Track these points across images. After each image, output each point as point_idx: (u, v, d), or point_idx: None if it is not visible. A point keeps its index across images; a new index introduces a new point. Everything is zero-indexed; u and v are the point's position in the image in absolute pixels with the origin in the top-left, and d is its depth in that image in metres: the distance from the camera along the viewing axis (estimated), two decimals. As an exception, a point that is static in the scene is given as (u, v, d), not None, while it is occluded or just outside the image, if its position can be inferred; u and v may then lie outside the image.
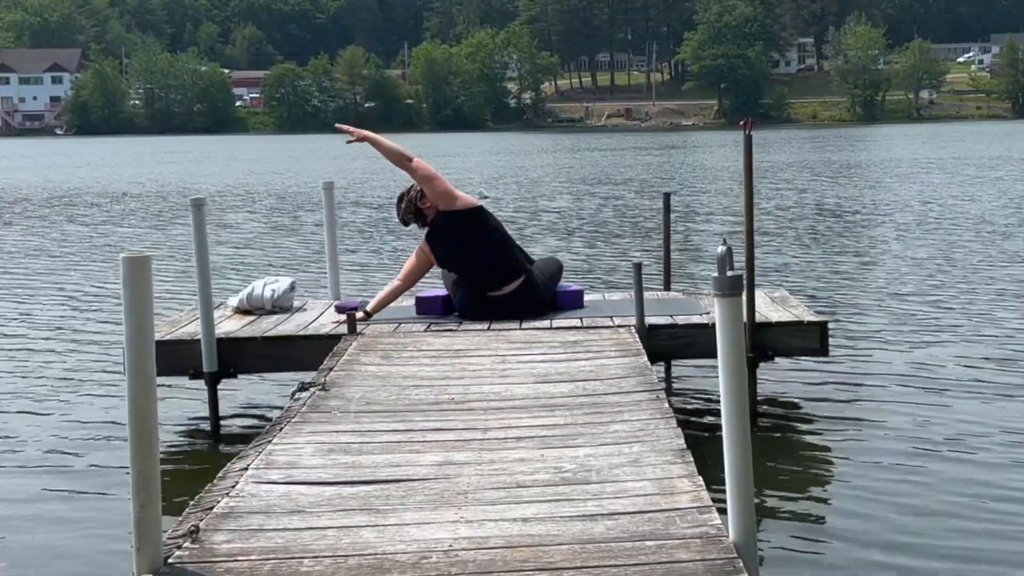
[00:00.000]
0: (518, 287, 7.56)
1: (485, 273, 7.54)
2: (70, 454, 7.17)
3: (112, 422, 7.77)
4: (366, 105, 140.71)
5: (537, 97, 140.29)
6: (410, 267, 7.75)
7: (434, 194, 7.57)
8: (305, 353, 7.07)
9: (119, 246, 19.14)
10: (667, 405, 5.17)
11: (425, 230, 7.72)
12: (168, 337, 7.25)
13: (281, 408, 6.21)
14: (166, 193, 33.45)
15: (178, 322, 7.87)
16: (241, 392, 8.44)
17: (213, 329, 7.14)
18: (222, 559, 3.42)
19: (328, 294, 8.96)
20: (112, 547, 5.51)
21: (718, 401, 3.66)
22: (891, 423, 7.50)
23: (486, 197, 8.07)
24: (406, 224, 7.86)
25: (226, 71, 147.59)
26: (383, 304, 7.69)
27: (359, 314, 7.53)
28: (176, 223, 23.33)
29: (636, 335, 6.90)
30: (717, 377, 3.61)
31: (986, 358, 9.36)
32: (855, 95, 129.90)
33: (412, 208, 7.70)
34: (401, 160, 7.59)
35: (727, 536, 3.51)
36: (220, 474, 4.28)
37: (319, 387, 5.63)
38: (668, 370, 8.43)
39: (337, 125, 8.35)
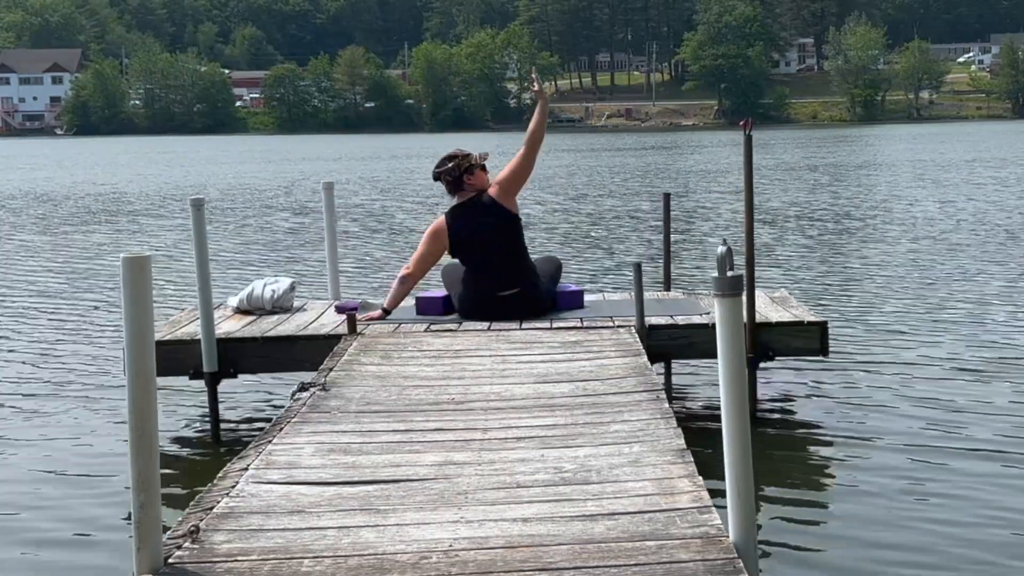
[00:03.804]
0: (521, 292, 7.52)
1: (494, 270, 7.47)
2: (70, 454, 7.17)
3: (112, 422, 7.77)
4: (366, 105, 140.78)
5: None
6: (421, 254, 7.65)
7: (512, 184, 7.51)
8: (305, 353, 7.06)
9: (119, 246, 19.14)
10: (667, 405, 5.16)
11: (439, 217, 7.65)
12: (168, 337, 7.24)
13: (281, 408, 6.21)
14: (166, 193, 33.45)
15: (178, 322, 7.87)
16: (241, 392, 8.43)
17: (213, 329, 7.13)
18: (222, 559, 3.42)
19: (328, 294, 8.96)
20: (112, 547, 5.51)
21: (718, 401, 3.66)
22: (891, 423, 7.50)
23: None
24: (436, 179, 7.66)
25: (226, 71, 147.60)
26: (400, 298, 7.64)
27: (377, 312, 7.53)
28: (176, 223, 23.33)
29: (636, 335, 6.90)
30: (717, 377, 3.61)
31: (986, 358, 9.36)
32: (855, 95, 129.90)
33: (456, 174, 7.54)
34: (539, 141, 7.56)
35: (727, 536, 3.51)
36: (220, 474, 4.28)
37: (319, 387, 5.62)
38: (668, 370, 8.42)
39: (533, 74, 8.15)
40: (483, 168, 7.64)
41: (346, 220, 22.37)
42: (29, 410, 8.29)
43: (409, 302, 8.14)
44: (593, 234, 19.97)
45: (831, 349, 7.56)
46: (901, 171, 37.19)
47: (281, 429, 4.88)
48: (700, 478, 4.03)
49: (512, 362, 6.23)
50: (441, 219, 7.64)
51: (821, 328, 7.36)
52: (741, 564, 3.31)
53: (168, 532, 3.59)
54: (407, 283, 7.66)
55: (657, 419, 4.90)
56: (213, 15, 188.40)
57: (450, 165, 7.55)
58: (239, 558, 3.42)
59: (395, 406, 5.30)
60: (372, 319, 7.49)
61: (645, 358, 6.24)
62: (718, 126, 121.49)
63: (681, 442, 4.51)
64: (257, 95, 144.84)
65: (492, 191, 7.53)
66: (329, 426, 4.94)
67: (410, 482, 4.12)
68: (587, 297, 8.17)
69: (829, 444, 7.13)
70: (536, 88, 7.71)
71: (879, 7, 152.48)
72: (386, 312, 7.58)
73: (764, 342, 7.27)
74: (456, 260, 7.68)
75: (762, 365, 7.49)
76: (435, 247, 7.62)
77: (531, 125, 7.65)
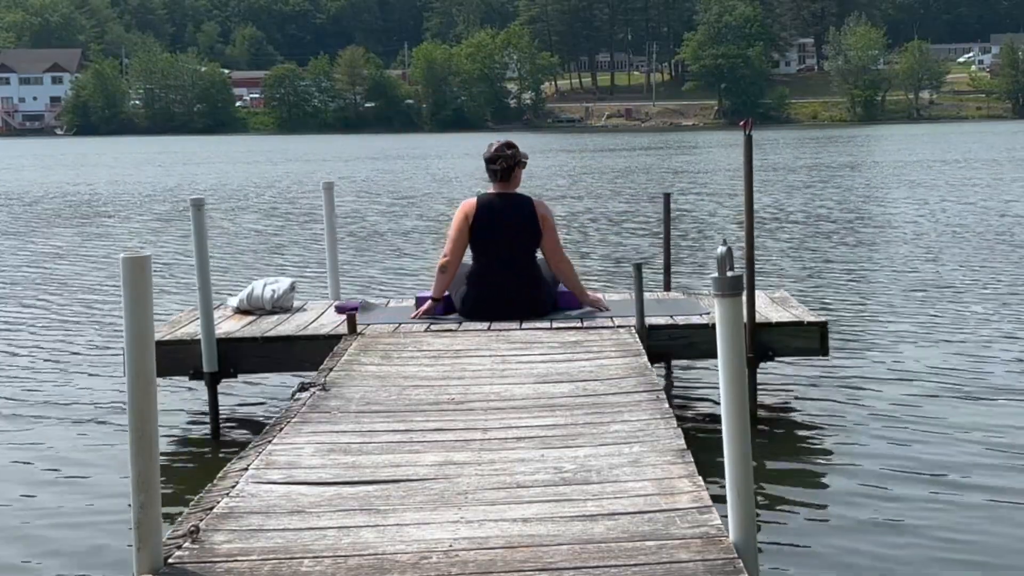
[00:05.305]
0: (525, 295, 7.53)
1: (504, 268, 7.48)
2: (70, 454, 7.17)
3: (112, 423, 7.77)
4: (366, 105, 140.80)
5: (537, 97, 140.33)
6: (454, 238, 7.61)
7: (547, 235, 7.60)
8: (305, 353, 7.07)
9: (119, 246, 19.14)
10: (667, 405, 5.17)
11: (471, 199, 7.68)
12: (168, 337, 7.25)
13: (281, 408, 6.21)
14: (166, 193, 33.44)
15: (178, 322, 7.87)
16: (241, 392, 8.43)
17: (213, 329, 7.13)
18: (222, 559, 3.42)
19: (328, 294, 8.96)
20: (112, 547, 5.51)
21: (718, 401, 3.66)
22: (891, 423, 7.49)
23: None
24: (490, 161, 7.67)
25: (226, 71, 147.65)
26: (445, 286, 7.64)
27: (428, 305, 7.60)
28: (176, 223, 23.32)
29: (636, 335, 6.90)
30: (717, 377, 3.61)
31: (986, 357, 9.36)
32: (855, 95, 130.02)
33: (511, 163, 7.60)
34: (559, 275, 7.83)
35: (727, 536, 3.51)
36: (220, 474, 4.28)
37: (319, 387, 5.63)
38: (668, 370, 8.43)
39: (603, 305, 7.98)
40: (523, 167, 7.75)
41: (346, 220, 22.35)
42: (28, 411, 8.28)
43: (409, 301, 8.14)
44: (593, 234, 19.96)
45: (831, 349, 7.56)
46: (900, 171, 37.18)
47: (281, 429, 4.88)
48: (700, 478, 4.03)
49: (512, 362, 6.23)
50: (472, 200, 7.67)
51: (821, 328, 7.36)
52: (741, 564, 3.32)
53: (168, 532, 3.59)
54: (448, 270, 7.62)
55: (657, 419, 4.90)
56: (213, 15, 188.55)
57: (509, 152, 7.66)
58: (239, 558, 3.42)
59: (395, 406, 5.30)
60: (426, 312, 7.58)
61: (645, 358, 6.24)
62: (718, 126, 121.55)
63: (681, 442, 4.51)
64: (257, 95, 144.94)
65: (536, 204, 7.60)
66: (329, 426, 4.94)
67: (410, 482, 4.12)
68: (587, 297, 8.17)
69: (829, 444, 7.13)
70: (597, 304, 7.80)
71: (879, 7, 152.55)
72: (436, 302, 7.62)
73: (764, 342, 7.27)
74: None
75: (762, 365, 7.48)
76: (465, 227, 7.59)
77: (574, 287, 7.84)
